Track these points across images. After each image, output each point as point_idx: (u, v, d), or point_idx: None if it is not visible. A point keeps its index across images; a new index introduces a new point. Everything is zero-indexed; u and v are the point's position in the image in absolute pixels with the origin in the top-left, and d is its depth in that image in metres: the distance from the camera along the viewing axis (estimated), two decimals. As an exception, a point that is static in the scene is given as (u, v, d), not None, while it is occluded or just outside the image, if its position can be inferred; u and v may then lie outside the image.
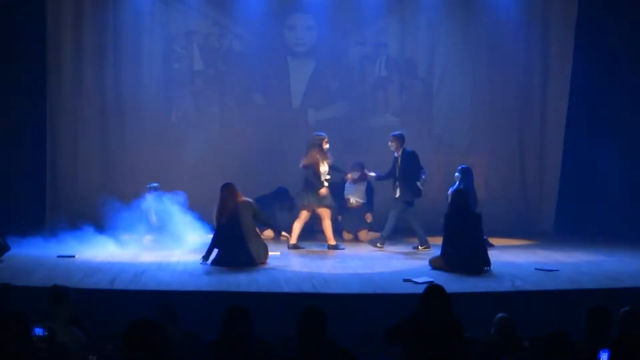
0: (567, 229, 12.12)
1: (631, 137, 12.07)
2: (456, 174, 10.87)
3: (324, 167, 10.14)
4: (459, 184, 10.50)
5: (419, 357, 4.99)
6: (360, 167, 11.12)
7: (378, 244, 10.30)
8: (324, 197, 10.15)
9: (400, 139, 10.31)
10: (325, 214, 10.20)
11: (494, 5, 12.67)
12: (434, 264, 8.75)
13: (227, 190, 8.96)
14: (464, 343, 5.11)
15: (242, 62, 12.66)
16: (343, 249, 10.23)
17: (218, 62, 12.74)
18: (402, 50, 12.98)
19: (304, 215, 10.25)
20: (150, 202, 10.30)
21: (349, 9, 12.66)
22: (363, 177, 11.18)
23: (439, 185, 11.59)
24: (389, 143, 10.36)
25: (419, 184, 10.28)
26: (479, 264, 8.59)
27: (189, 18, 12.61)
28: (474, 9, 12.75)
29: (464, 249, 8.57)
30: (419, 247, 10.23)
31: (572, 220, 12.18)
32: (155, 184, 10.56)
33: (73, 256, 9.16)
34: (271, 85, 12.78)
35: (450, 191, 10.38)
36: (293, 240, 10.13)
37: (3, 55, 11.63)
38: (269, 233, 10.63)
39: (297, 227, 10.19)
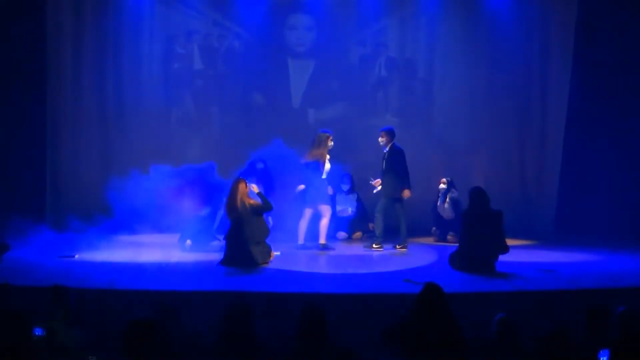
0: (567, 229, 12.11)
1: (631, 138, 12.07)
2: (441, 185, 11.03)
3: (327, 165, 10.13)
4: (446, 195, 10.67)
5: (418, 357, 4.99)
6: (350, 179, 11.56)
7: (374, 245, 10.19)
8: (326, 195, 10.13)
9: (390, 134, 10.21)
10: (327, 211, 10.16)
11: (493, 5, 12.67)
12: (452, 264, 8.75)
13: (235, 186, 8.96)
14: (463, 343, 5.11)
15: (242, 62, 12.67)
16: (333, 249, 10.13)
17: (218, 62, 12.75)
18: (402, 50, 12.99)
19: (308, 213, 10.15)
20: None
21: (349, 9, 12.68)
22: (352, 189, 11.61)
23: (438, 185, 11.59)
24: (379, 139, 10.22)
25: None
26: (492, 264, 8.60)
27: (189, 18, 12.62)
28: (473, 10, 12.76)
29: (482, 249, 8.56)
30: (397, 245, 10.13)
31: (572, 220, 12.18)
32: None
33: (73, 256, 9.16)
34: (271, 85, 12.78)
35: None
36: (301, 240, 10.10)
37: (3, 56, 11.63)
38: None
39: (303, 226, 10.14)
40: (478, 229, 8.59)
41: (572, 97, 12.49)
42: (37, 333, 4.69)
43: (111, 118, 12.41)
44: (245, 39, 12.70)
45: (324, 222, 10.12)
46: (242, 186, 8.93)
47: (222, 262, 8.76)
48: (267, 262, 8.89)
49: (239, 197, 8.85)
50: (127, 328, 4.05)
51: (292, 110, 12.76)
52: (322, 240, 10.08)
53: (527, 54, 12.79)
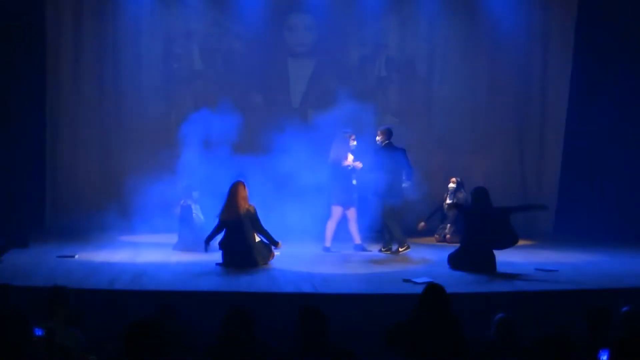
0: (567, 229, 12.12)
1: (631, 138, 12.08)
2: (451, 184, 11.00)
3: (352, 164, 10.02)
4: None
5: (419, 357, 4.99)
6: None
7: (384, 249, 10.02)
8: (339, 196, 10.00)
9: (385, 133, 10.08)
10: (335, 212, 10.08)
11: (494, 5, 12.67)
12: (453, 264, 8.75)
13: (234, 188, 8.94)
14: (464, 343, 5.11)
15: (242, 62, 12.66)
16: (370, 250, 10.07)
17: (218, 62, 12.75)
18: (402, 50, 12.99)
19: (337, 213, 10.06)
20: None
21: (349, 9, 12.67)
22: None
23: (439, 185, 11.60)
24: (377, 138, 10.12)
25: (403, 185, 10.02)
26: (492, 263, 8.62)
27: (189, 18, 12.60)
28: (474, 9, 12.75)
29: (482, 248, 8.59)
30: (399, 248, 9.94)
31: (572, 220, 12.18)
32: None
33: (73, 256, 9.16)
34: (271, 85, 12.78)
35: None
36: (327, 242, 10.05)
37: (3, 55, 11.63)
38: None
39: (331, 227, 10.05)
40: (479, 227, 8.63)
41: (572, 96, 12.50)
42: (37, 333, 4.68)
43: (111, 118, 12.40)
44: (245, 39, 12.68)
45: (330, 224, 10.08)
46: (241, 188, 8.94)
47: (223, 264, 8.77)
48: (266, 263, 8.89)
49: (240, 200, 8.86)
50: (127, 328, 4.04)
51: (292, 110, 12.75)
52: (327, 242, 10.08)
53: (527, 53, 12.79)
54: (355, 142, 10.08)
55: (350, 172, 9.97)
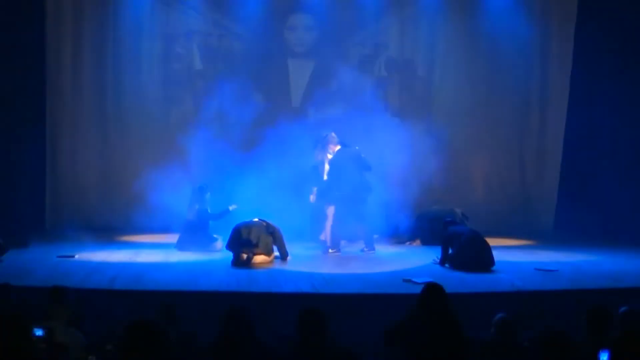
0: (567, 229, 12.11)
1: (630, 138, 12.08)
2: None
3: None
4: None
5: (419, 357, 4.99)
6: None
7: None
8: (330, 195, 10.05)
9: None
10: (330, 212, 10.10)
11: (494, 5, 12.68)
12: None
13: None
14: (464, 343, 5.11)
15: (242, 62, 12.66)
16: (331, 251, 10.04)
17: (218, 62, 12.75)
18: (402, 50, 13.00)
19: (330, 213, 10.11)
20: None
21: (349, 9, 12.67)
22: None
23: (439, 185, 11.60)
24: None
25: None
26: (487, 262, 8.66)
27: (189, 18, 12.61)
28: (473, 9, 12.76)
29: (474, 249, 8.65)
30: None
31: (572, 220, 12.18)
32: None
33: (73, 256, 9.15)
34: (271, 85, 12.78)
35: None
36: (327, 242, 10.07)
37: (3, 55, 11.63)
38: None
39: (329, 227, 10.10)
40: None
41: (572, 97, 12.50)
42: (37, 333, 4.68)
43: (111, 118, 12.41)
44: (245, 39, 12.68)
45: (327, 225, 10.10)
46: None
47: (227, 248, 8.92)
48: (269, 254, 8.90)
49: None
50: (127, 328, 4.05)
51: (292, 110, 12.75)
52: (328, 243, 10.09)
53: (527, 54, 12.80)
54: (336, 139, 10.06)
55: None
